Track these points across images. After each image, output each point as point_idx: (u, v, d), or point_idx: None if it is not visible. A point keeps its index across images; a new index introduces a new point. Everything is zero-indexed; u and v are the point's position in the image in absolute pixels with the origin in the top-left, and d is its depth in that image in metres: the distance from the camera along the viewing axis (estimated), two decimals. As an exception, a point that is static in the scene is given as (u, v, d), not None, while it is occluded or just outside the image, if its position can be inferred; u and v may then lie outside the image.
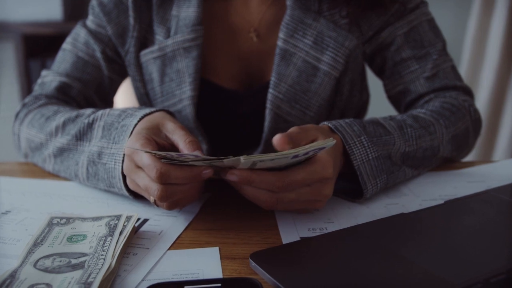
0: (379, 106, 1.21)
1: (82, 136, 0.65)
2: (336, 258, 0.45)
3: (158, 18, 0.79)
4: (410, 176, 0.66)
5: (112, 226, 0.50)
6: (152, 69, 0.80)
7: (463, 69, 2.00)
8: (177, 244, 0.51)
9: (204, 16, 0.78)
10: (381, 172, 0.60)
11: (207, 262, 0.47)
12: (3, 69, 2.08)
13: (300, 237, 0.51)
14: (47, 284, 0.41)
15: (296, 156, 0.47)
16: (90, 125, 0.65)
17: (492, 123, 1.99)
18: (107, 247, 0.46)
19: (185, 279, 0.44)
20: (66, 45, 0.83)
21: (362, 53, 0.80)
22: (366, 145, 0.59)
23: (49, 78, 0.81)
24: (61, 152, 0.67)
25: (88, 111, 0.68)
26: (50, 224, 0.51)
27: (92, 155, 0.62)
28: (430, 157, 0.68)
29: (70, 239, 0.49)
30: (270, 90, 0.76)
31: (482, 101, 1.97)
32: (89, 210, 0.59)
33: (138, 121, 0.59)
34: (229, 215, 0.57)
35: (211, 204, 0.61)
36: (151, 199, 0.52)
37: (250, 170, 0.49)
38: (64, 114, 0.69)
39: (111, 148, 0.60)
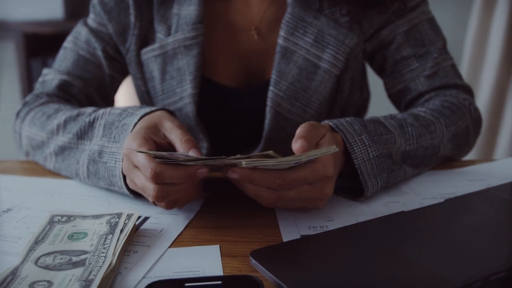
0: (380, 105, 1.21)
1: (83, 134, 0.65)
2: (336, 256, 0.45)
3: (159, 16, 0.79)
4: (410, 175, 0.66)
5: (113, 224, 0.50)
6: (153, 67, 0.80)
7: (464, 69, 1.99)
8: (178, 242, 0.51)
9: (205, 14, 0.78)
10: (382, 171, 0.60)
11: (207, 260, 0.47)
12: (4, 68, 2.08)
13: (301, 235, 0.51)
14: (48, 282, 0.41)
15: (299, 162, 0.48)
16: (91, 124, 0.65)
17: (492, 122, 1.99)
18: (107, 245, 0.47)
19: (185, 276, 0.44)
20: (67, 43, 0.83)
21: (362, 51, 0.80)
22: (367, 144, 0.59)
23: (50, 77, 0.81)
24: (62, 150, 0.67)
25: (89, 109, 0.68)
26: (51, 222, 0.52)
27: (92, 154, 0.62)
28: (431, 156, 0.68)
29: (71, 237, 0.49)
30: (271, 88, 0.76)
31: (482, 100, 1.97)
32: (89, 208, 0.59)
33: (139, 120, 0.59)
34: (230, 213, 0.58)
35: (212, 202, 0.61)
36: (149, 198, 0.52)
37: (251, 168, 0.49)
38: (65, 112, 0.69)
39: (112, 147, 0.60)
